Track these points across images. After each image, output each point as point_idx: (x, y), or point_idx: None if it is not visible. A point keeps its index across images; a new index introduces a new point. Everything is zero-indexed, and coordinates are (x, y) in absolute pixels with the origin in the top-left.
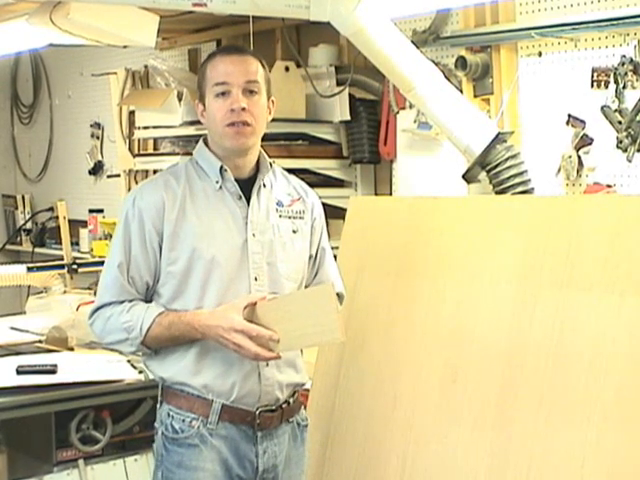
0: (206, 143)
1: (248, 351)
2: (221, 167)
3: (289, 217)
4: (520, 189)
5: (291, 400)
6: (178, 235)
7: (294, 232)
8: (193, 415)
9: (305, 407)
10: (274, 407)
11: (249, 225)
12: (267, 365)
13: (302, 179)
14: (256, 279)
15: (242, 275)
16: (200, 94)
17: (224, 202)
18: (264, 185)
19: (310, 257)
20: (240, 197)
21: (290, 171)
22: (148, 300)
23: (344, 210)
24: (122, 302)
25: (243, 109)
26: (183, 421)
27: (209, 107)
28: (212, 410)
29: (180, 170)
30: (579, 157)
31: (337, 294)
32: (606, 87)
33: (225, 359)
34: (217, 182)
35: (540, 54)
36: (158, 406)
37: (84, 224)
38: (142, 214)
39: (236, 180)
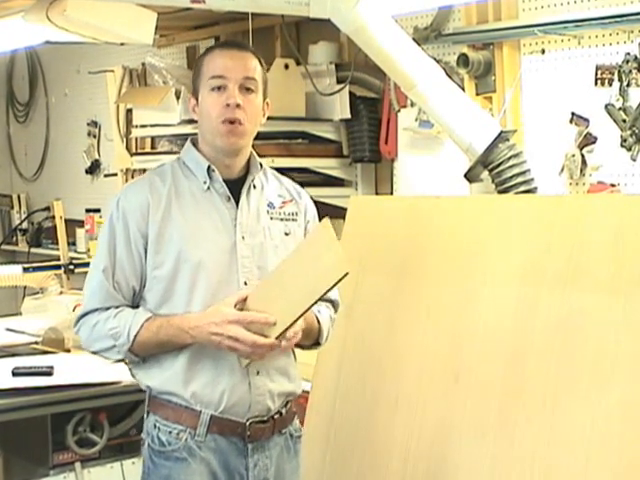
0: (194, 143)
1: (245, 342)
2: (209, 167)
3: (281, 219)
4: (523, 188)
5: (283, 411)
6: (163, 237)
7: (286, 235)
8: (180, 427)
9: (298, 417)
10: (265, 418)
11: (238, 227)
12: (257, 373)
13: (302, 178)
14: (246, 283)
15: (231, 279)
16: (194, 88)
17: (212, 203)
18: (254, 186)
19: None
20: (229, 198)
21: (290, 170)
22: (135, 306)
23: (344, 210)
24: (108, 308)
25: (238, 105)
26: (170, 433)
27: (203, 101)
28: (200, 421)
29: (166, 170)
30: (583, 156)
31: (332, 301)
32: (610, 85)
33: (214, 368)
34: (205, 182)
35: (543, 51)
36: (145, 416)
37: (81, 224)
38: (126, 216)
39: (225, 181)
